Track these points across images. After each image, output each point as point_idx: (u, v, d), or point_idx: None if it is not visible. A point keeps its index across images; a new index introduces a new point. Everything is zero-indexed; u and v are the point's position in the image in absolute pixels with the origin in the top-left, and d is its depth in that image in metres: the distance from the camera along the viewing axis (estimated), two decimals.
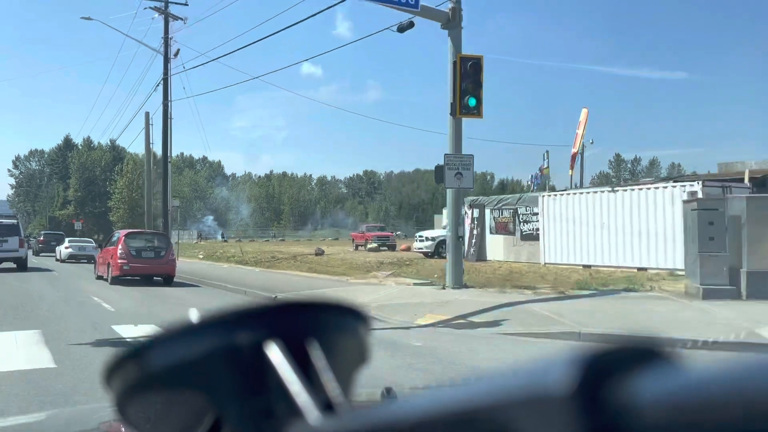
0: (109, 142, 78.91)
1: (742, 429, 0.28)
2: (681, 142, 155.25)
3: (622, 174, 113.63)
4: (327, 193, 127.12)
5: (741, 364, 0.29)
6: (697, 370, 0.31)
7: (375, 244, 36.14)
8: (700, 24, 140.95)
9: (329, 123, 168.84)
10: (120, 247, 17.62)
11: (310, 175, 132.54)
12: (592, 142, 45.04)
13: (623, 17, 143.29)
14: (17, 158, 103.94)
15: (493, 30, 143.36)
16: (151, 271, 17.95)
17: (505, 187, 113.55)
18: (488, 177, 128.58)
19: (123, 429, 0.62)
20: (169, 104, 34.25)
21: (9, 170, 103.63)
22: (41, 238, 42.57)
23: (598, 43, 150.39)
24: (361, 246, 38.24)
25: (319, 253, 30.04)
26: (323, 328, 0.54)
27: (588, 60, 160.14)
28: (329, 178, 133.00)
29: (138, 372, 0.52)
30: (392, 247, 36.77)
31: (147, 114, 36.95)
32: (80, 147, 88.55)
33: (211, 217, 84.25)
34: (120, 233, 19.03)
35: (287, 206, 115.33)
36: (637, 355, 0.33)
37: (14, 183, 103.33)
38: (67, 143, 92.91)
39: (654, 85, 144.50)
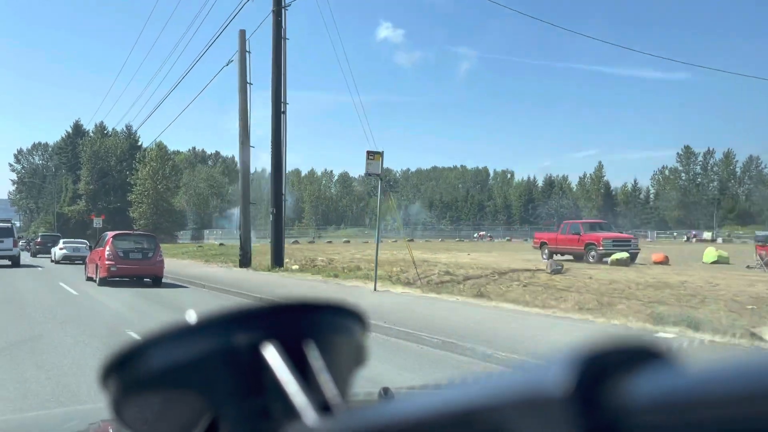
0: (125, 129, 71.24)
1: (739, 428, 0.28)
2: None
3: (692, 168, 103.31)
4: (350, 191, 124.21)
5: (738, 363, 0.30)
6: (694, 369, 0.31)
7: (622, 255, 22.65)
8: None
9: (333, 121, 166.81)
10: (108, 248, 17.58)
11: (331, 171, 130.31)
12: None
13: None
14: (19, 151, 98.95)
15: None
16: (139, 272, 17.88)
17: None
18: (508, 175, 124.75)
19: (119, 429, 0.59)
20: (284, 12, 22.61)
21: (11, 164, 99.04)
22: (39, 240, 42.62)
23: None
24: (564, 254, 25.73)
25: (557, 269, 18.51)
26: (320, 329, 0.54)
27: None
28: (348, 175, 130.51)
29: (135, 373, 0.52)
30: (634, 257, 23.62)
31: (242, 32, 24.04)
32: (92, 134, 76.89)
33: (236, 212, 77.54)
34: (108, 234, 18.86)
35: (307, 204, 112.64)
36: (634, 355, 0.33)
37: (16, 178, 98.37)
38: (77, 130, 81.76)
39: None
